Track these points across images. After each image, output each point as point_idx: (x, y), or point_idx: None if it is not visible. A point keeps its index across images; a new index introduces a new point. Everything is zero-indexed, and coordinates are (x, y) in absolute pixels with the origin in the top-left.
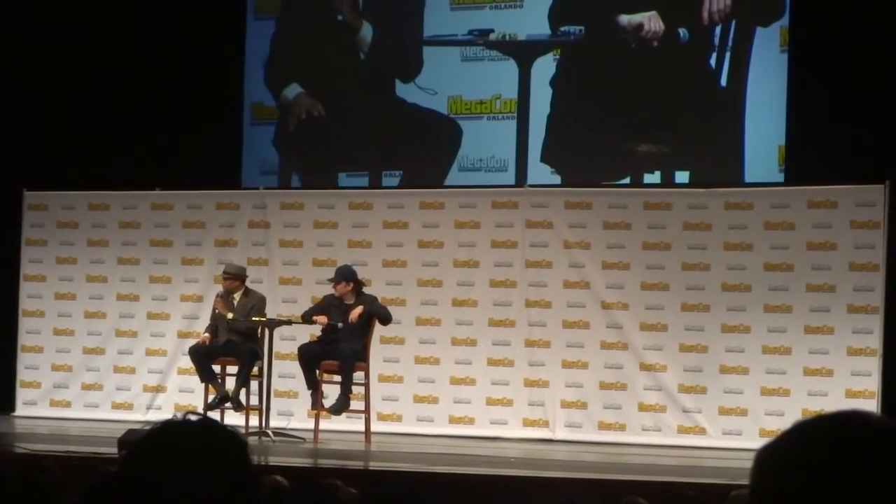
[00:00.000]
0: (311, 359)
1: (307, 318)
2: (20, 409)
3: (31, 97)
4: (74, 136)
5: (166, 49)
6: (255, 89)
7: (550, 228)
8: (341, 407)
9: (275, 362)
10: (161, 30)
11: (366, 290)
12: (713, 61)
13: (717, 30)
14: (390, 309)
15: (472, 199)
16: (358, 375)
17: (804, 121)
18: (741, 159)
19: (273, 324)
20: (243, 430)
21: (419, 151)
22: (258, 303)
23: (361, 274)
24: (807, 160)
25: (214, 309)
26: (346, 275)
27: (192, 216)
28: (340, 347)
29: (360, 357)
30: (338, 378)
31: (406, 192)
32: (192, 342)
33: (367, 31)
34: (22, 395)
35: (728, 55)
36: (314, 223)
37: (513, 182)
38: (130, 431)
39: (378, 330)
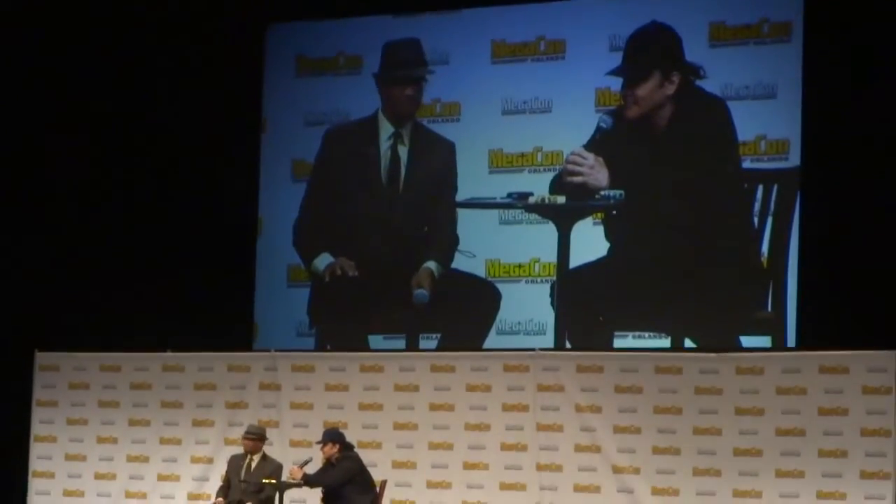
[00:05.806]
0: None
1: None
2: None
3: (44, 259)
4: (86, 297)
5: (181, 211)
6: (289, 251)
7: (562, 392)
8: None
9: None
10: (177, 190)
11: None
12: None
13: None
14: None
15: (483, 362)
16: None
17: (816, 287)
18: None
19: (283, 486)
20: None
21: (457, 314)
22: (276, 470)
23: (372, 437)
24: (819, 326)
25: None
26: (331, 436)
27: (203, 378)
28: None
29: None
30: None
31: (417, 355)
32: None
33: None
34: None
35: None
36: (325, 385)
37: (552, 345)
38: None
39: (389, 493)
